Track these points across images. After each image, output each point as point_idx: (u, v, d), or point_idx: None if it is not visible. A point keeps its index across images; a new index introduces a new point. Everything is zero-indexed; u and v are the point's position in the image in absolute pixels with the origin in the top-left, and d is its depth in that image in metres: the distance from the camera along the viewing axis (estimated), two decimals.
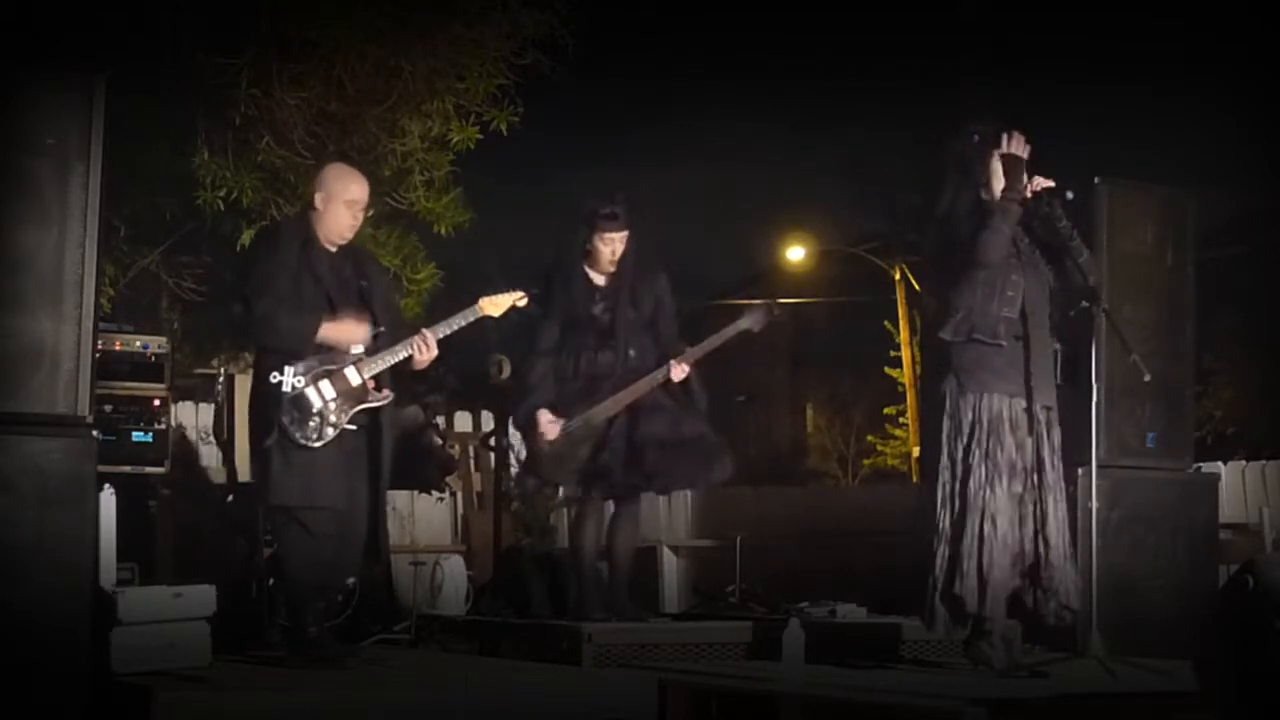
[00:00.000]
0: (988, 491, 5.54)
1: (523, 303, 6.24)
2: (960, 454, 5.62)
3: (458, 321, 6.01)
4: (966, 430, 5.61)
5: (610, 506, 6.82)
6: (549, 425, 6.52)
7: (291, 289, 5.72)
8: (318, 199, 5.85)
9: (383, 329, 5.84)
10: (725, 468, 6.75)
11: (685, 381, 6.67)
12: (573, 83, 8.16)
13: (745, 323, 6.84)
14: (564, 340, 6.66)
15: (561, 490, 6.64)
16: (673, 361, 6.60)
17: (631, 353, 6.64)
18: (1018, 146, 5.67)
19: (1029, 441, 5.61)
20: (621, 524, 6.77)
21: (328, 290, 5.78)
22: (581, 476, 6.62)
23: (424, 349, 5.84)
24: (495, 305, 6.13)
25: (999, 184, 5.68)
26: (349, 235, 5.90)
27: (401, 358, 5.84)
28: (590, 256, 6.70)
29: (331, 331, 5.72)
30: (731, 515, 9.02)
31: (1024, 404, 5.60)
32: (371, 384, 5.77)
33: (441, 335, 5.95)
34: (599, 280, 6.71)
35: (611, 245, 6.65)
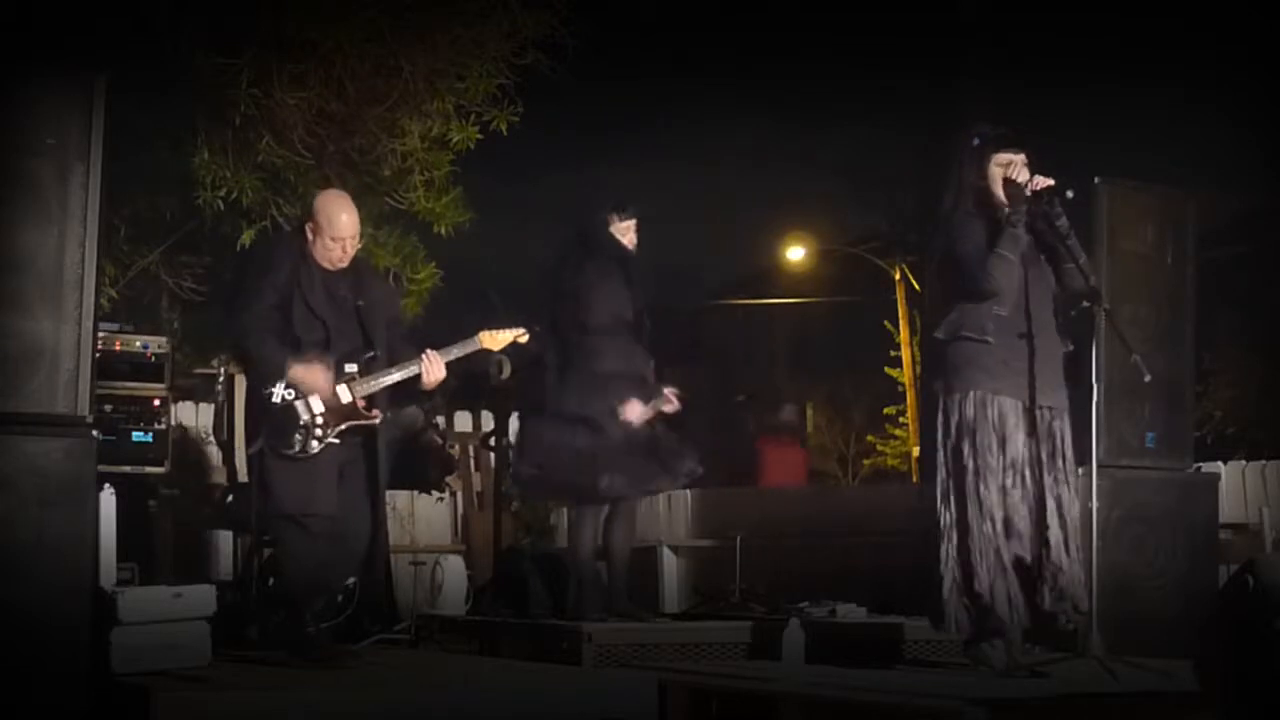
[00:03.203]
0: (981, 489, 5.52)
1: (524, 339, 6.21)
2: (951, 453, 5.61)
3: (455, 351, 5.98)
4: (955, 429, 5.60)
5: (604, 506, 6.84)
6: (638, 412, 6.56)
7: (279, 314, 5.68)
8: (309, 227, 5.79)
9: (375, 352, 5.79)
10: (697, 468, 6.83)
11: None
12: (573, 83, 8.17)
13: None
14: (611, 331, 6.64)
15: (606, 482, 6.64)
16: (669, 393, 6.67)
17: (650, 359, 6.73)
18: (1016, 170, 5.65)
19: (1024, 440, 5.59)
20: (618, 523, 6.78)
21: (320, 314, 5.73)
22: (614, 475, 6.63)
23: (431, 370, 5.83)
24: (495, 340, 6.11)
25: (999, 193, 5.67)
26: (340, 265, 5.80)
27: (398, 379, 5.81)
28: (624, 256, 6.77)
29: (299, 373, 5.64)
30: (731, 515, 9.02)
31: (1017, 402, 5.58)
32: (362, 403, 5.74)
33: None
34: (632, 283, 6.78)
35: (628, 235, 6.76)
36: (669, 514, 9.63)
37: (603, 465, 6.54)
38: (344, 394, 5.71)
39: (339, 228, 5.75)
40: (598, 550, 6.78)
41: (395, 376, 5.81)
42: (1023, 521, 5.55)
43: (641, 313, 6.73)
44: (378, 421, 5.79)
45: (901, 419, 24.09)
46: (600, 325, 6.61)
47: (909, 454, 23.24)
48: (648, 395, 6.63)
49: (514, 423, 7.56)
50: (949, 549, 5.57)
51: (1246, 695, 4.05)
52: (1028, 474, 5.58)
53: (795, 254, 25.66)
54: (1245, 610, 4.11)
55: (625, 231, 6.74)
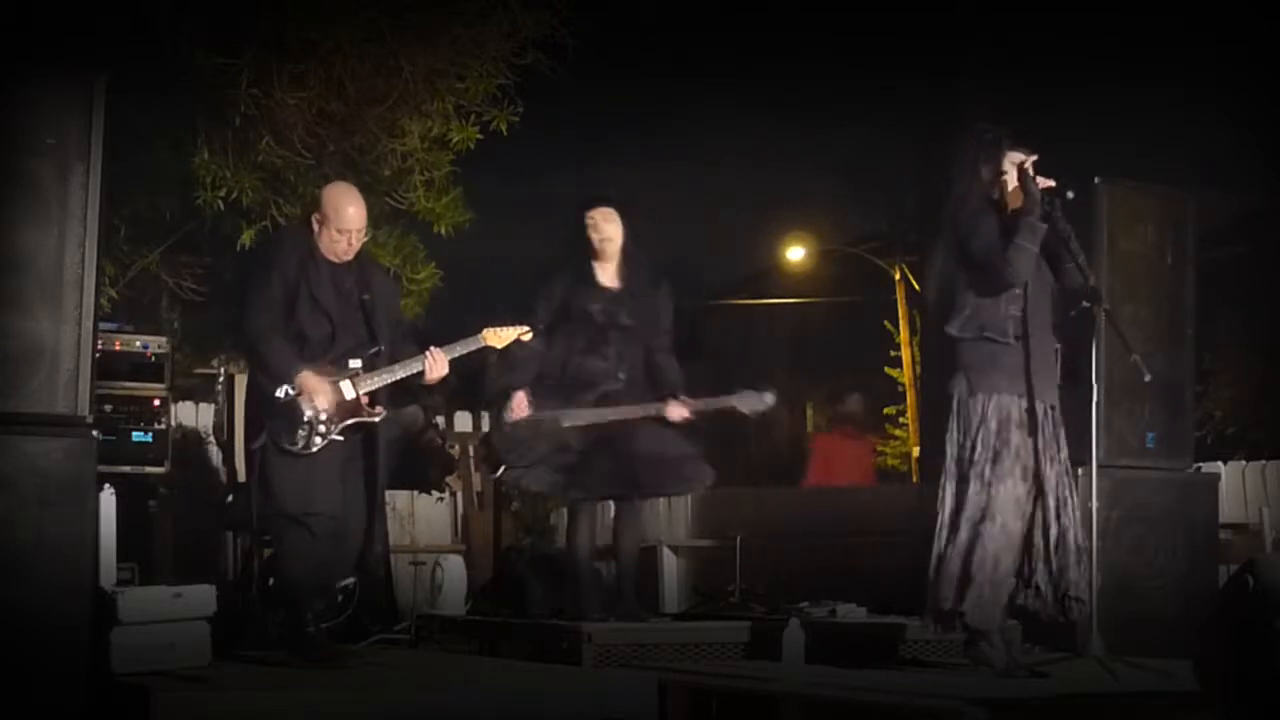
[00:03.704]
0: (992, 491, 5.54)
1: (528, 337, 6.23)
2: (968, 454, 5.61)
3: (459, 349, 6.02)
4: (975, 430, 5.60)
5: (610, 507, 6.82)
6: (519, 407, 6.52)
7: (286, 310, 5.70)
8: (315, 218, 5.82)
9: (380, 348, 5.82)
10: (706, 477, 6.79)
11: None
12: (573, 83, 8.15)
13: (742, 405, 6.79)
14: (556, 327, 6.60)
15: (502, 470, 6.64)
16: (674, 403, 6.55)
17: (621, 371, 6.62)
18: (1030, 166, 5.67)
19: (1031, 441, 5.61)
20: (624, 525, 6.77)
21: (326, 309, 5.76)
22: (558, 476, 6.62)
23: (434, 367, 5.85)
24: (499, 338, 6.14)
25: (1011, 190, 5.67)
26: (346, 257, 5.83)
27: (402, 376, 5.83)
28: (590, 253, 6.67)
29: (305, 380, 5.66)
30: (731, 515, 9.02)
31: (1027, 401, 5.60)
32: (365, 400, 5.76)
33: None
34: (603, 280, 6.67)
35: (597, 228, 6.63)
36: (669, 514, 9.62)
37: (512, 454, 6.56)
38: (348, 390, 5.73)
39: (346, 220, 5.77)
40: (596, 550, 6.78)
41: (400, 373, 5.83)
42: (1030, 521, 5.57)
43: (608, 311, 6.60)
44: (380, 419, 5.81)
45: (901, 419, 24.07)
46: (545, 323, 6.56)
47: (909, 454, 23.21)
48: (594, 397, 6.58)
49: None
50: (954, 549, 5.57)
51: (1246, 695, 4.05)
52: (1035, 473, 5.59)
53: (795, 254, 25.65)
54: (1245, 610, 4.11)
55: (595, 225, 6.63)
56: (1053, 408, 5.68)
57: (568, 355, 6.60)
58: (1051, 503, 5.59)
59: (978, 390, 5.63)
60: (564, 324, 6.61)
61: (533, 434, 6.52)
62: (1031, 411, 5.60)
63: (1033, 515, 5.59)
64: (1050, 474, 5.60)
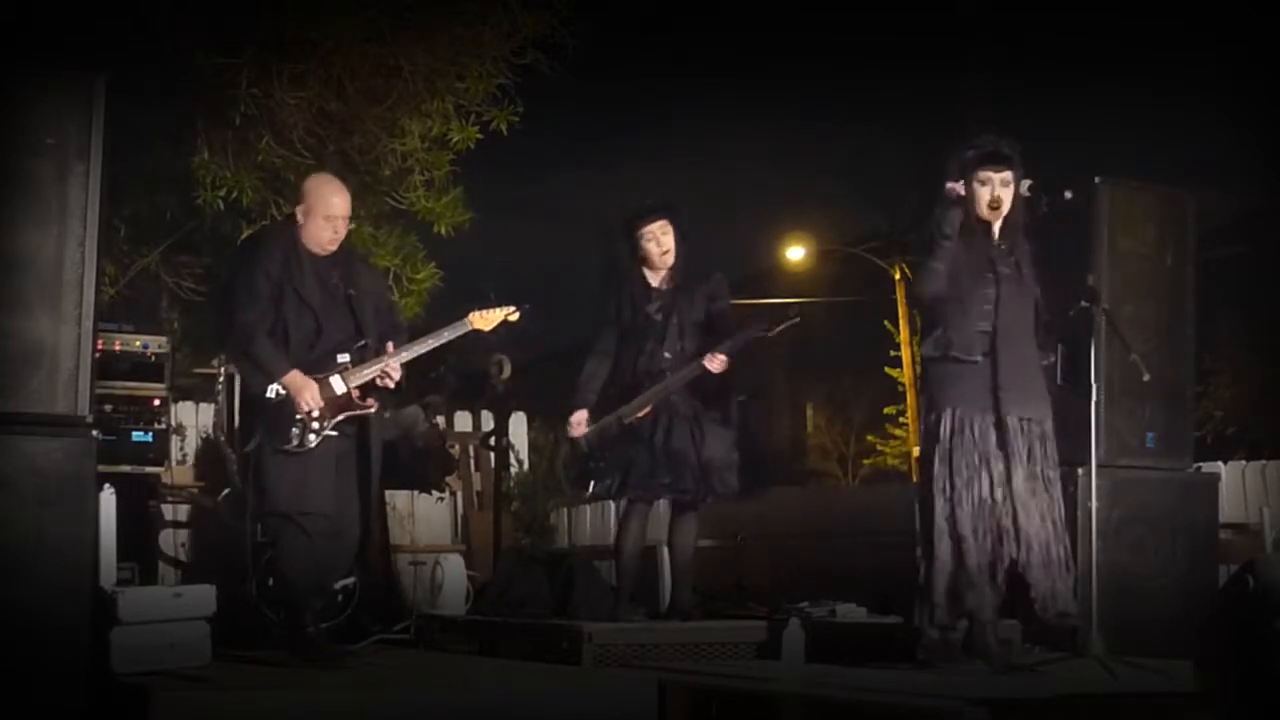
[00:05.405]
0: (959, 502, 5.54)
1: (514, 318, 6.23)
2: (935, 466, 5.63)
3: (445, 335, 6.04)
4: (942, 443, 5.61)
5: (664, 509, 7.01)
6: (576, 425, 6.65)
7: (272, 308, 5.71)
8: (299, 211, 5.84)
9: (367, 341, 5.83)
10: (730, 486, 6.82)
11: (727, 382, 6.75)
12: (573, 83, 8.17)
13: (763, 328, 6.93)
14: (623, 342, 6.72)
15: (592, 486, 6.72)
16: (708, 354, 6.62)
17: (669, 354, 6.70)
18: (993, 188, 5.66)
19: (1003, 454, 5.58)
20: (681, 526, 6.89)
21: (311, 305, 5.77)
22: (615, 475, 6.68)
23: (389, 378, 5.83)
24: (485, 320, 6.14)
25: (980, 209, 5.68)
26: (331, 247, 5.85)
27: (378, 372, 5.83)
28: (643, 261, 6.76)
29: (293, 379, 5.68)
30: (731, 515, 9.01)
31: (997, 416, 5.59)
32: (356, 393, 5.78)
33: (429, 348, 5.98)
34: (654, 281, 6.78)
35: (654, 238, 6.70)
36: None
37: (592, 469, 6.71)
38: (338, 385, 5.75)
39: (332, 207, 5.80)
40: (640, 550, 6.86)
41: (391, 363, 5.82)
42: (1007, 533, 5.56)
43: (665, 310, 6.71)
44: (372, 411, 5.82)
45: (901, 419, 24.09)
46: (610, 350, 6.74)
47: (909, 454, 23.22)
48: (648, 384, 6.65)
49: None
50: (934, 562, 5.58)
51: (1246, 695, 4.06)
52: (1008, 487, 5.58)
53: (795, 254, 25.69)
54: (1245, 610, 4.11)
55: (655, 239, 6.70)
56: (1028, 420, 5.63)
57: (636, 359, 6.69)
58: (1023, 516, 5.57)
59: (938, 405, 5.64)
60: (629, 331, 6.72)
61: (603, 443, 6.65)
62: (1000, 425, 5.58)
63: (1017, 526, 5.57)
64: (1023, 487, 5.57)
